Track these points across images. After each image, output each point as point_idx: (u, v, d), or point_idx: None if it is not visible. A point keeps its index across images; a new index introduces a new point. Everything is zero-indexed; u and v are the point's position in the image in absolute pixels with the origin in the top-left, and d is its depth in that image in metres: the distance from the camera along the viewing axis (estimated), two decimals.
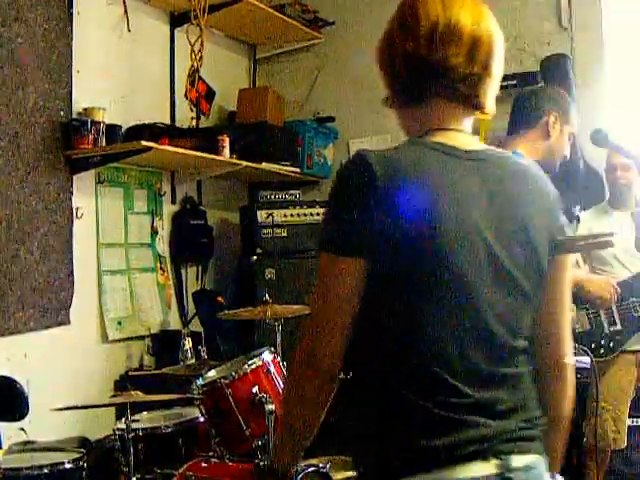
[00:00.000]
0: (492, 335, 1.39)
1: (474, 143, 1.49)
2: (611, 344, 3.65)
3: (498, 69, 1.51)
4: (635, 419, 3.93)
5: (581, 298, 2.94)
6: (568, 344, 1.54)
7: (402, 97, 1.52)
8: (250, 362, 2.99)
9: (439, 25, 1.41)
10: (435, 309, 1.36)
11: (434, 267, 1.34)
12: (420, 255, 1.34)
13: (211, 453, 3.01)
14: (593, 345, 3.66)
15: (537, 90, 2.71)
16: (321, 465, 3.02)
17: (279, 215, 4.69)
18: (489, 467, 1.34)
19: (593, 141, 2.75)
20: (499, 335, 1.40)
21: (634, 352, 3.67)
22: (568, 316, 1.55)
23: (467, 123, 1.51)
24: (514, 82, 4.58)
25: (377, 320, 1.39)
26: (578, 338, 3.74)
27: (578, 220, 3.81)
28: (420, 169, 1.36)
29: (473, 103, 1.48)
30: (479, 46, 1.44)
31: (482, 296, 1.38)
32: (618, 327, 3.65)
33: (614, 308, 3.64)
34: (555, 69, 4.44)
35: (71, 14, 3.94)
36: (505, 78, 5.30)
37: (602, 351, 3.66)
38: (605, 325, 3.67)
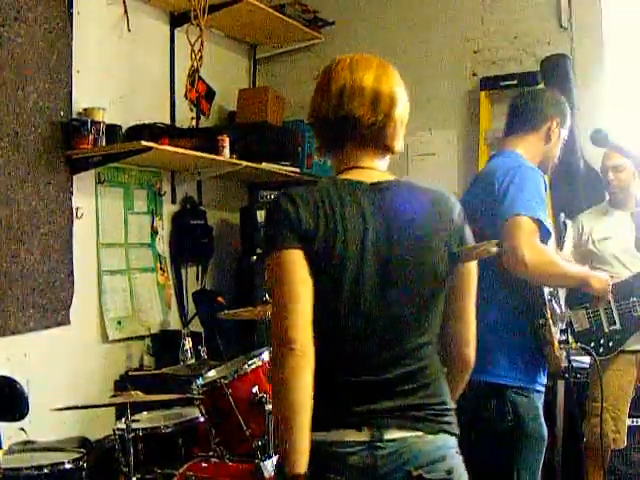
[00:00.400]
0: (384, 331, 1.70)
1: (382, 177, 1.78)
2: (610, 344, 3.65)
3: (401, 116, 1.84)
4: (635, 419, 3.93)
5: (580, 293, 2.94)
6: (472, 344, 1.85)
7: (326, 145, 1.86)
8: (250, 362, 3.00)
9: (346, 86, 1.78)
10: (335, 309, 1.69)
11: (333, 276, 1.67)
12: (323, 265, 1.66)
13: (211, 453, 3.02)
14: (592, 344, 3.66)
15: (540, 92, 2.71)
16: None
17: None
18: (361, 435, 1.68)
19: (593, 141, 2.75)
20: (392, 332, 1.71)
21: (634, 352, 3.67)
22: (473, 319, 1.84)
23: (379, 161, 1.83)
24: (514, 82, 4.58)
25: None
26: (577, 337, 3.74)
27: (565, 227, 3.81)
28: (325, 200, 1.69)
29: (380, 145, 1.81)
30: (380, 99, 1.78)
31: (373, 298, 1.69)
32: (617, 327, 3.65)
33: (613, 307, 3.64)
34: (555, 69, 4.44)
35: (71, 14, 3.94)
36: (505, 78, 5.31)
37: (601, 350, 3.66)
38: (605, 325, 3.67)
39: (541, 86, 4.41)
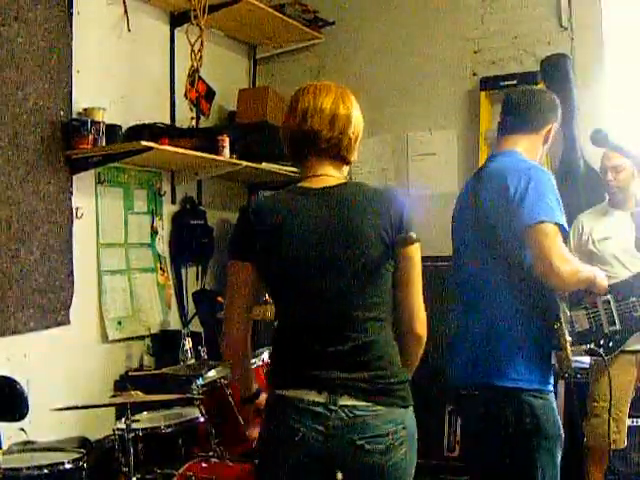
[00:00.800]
0: (331, 304, 2.04)
1: (334, 182, 2.13)
2: (610, 344, 3.65)
3: (355, 133, 2.18)
4: (635, 419, 3.93)
5: (581, 292, 2.96)
6: (418, 318, 2.13)
7: (293, 156, 2.23)
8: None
9: (309, 107, 2.14)
10: (289, 294, 2.10)
11: (284, 266, 2.07)
12: (274, 260, 2.07)
13: (211, 453, 3.02)
14: (592, 345, 3.66)
15: (540, 94, 2.67)
16: None
17: None
18: (319, 397, 1.99)
19: (593, 141, 2.74)
20: (338, 306, 2.04)
21: (634, 352, 3.67)
22: (418, 296, 2.12)
23: (335, 170, 2.18)
24: (514, 82, 4.58)
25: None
26: (578, 338, 3.74)
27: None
28: (277, 206, 2.11)
29: (337, 157, 2.17)
30: (337, 119, 2.13)
31: (320, 279, 2.04)
32: (617, 327, 3.64)
33: (613, 308, 3.63)
34: (555, 69, 4.44)
35: (71, 14, 3.94)
36: (505, 78, 5.31)
37: (601, 351, 3.66)
38: (605, 325, 3.66)
39: (540, 86, 4.41)
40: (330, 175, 2.17)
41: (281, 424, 2.01)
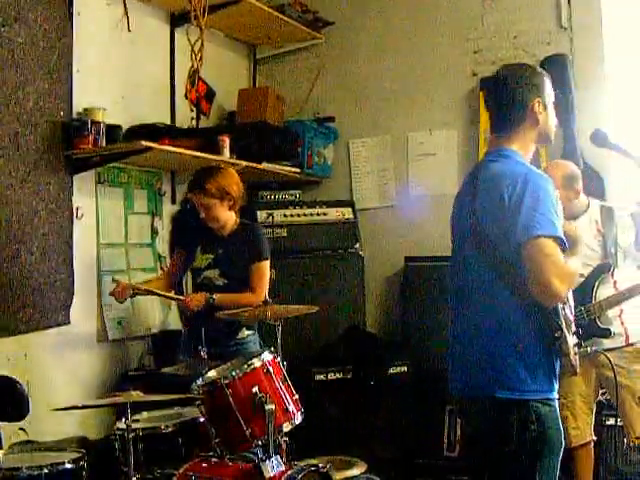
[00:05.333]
0: None
1: None
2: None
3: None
4: None
5: None
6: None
7: None
8: (250, 362, 2.99)
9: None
10: None
11: None
12: None
13: (211, 453, 3.01)
14: None
15: (509, 79, 2.46)
16: (321, 465, 3.01)
17: (279, 215, 4.70)
18: None
19: (593, 141, 2.74)
20: None
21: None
22: None
23: None
24: None
25: None
26: None
27: None
28: None
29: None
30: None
31: None
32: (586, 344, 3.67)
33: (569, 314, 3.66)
34: (555, 69, 4.44)
35: (71, 14, 3.94)
36: None
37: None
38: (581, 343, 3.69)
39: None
40: None
41: None
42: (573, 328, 2.38)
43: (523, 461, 2.28)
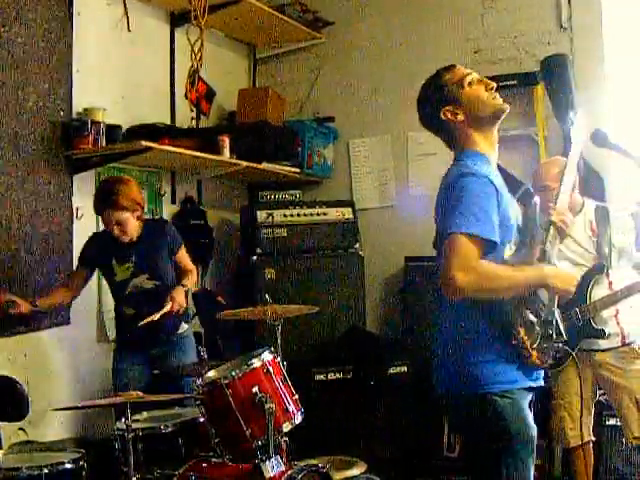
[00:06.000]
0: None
1: None
2: (558, 355, 3.67)
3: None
4: None
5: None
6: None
7: None
8: (250, 362, 2.99)
9: None
10: None
11: None
12: None
13: (211, 453, 3.01)
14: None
15: (422, 106, 2.50)
16: (321, 465, 3.01)
17: (279, 215, 4.69)
18: None
19: (593, 141, 2.74)
20: None
21: (588, 352, 3.65)
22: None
23: None
24: (514, 82, 4.57)
25: None
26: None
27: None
28: None
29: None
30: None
31: None
32: (564, 338, 3.66)
33: (559, 319, 3.66)
34: (555, 69, 4.44)
35: (71, 14, 3.94)
36: (505, 78, 5.28)
37: (551, 362, 3.69)
38: (554, 337, 3.68)
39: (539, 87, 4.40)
40: None
41: None
42: (549, 319, 2.35)
43: (489, 455, 2.26)
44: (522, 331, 2.27)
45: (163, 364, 3.67)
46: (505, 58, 4.77)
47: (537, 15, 4.72)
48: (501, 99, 2.41)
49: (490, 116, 2.40)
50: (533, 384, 2.35)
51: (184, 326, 3.80)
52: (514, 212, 2.37)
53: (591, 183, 4.04)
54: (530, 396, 2.35)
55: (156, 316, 3.50)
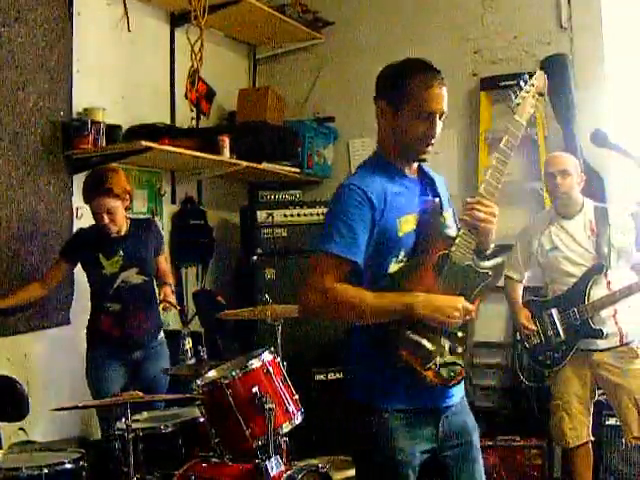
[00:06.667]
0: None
1: None
2: (556, 355, 3.69)
3: None
4: None
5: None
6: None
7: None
8: (250, 362, 2.99)
9: None
10: None
11: None
12: None
13: (211, 453, 3.01)
14: (543, 357, 3.74)
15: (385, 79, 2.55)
16: (321, 465, 3.01)
17: (279, 215, 4.69)
18: None
19: (593, 141, 2.74)
20: None
21: (586, 352, 3.66)
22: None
23: None
24: (514, 82, 4.55)
25: None
26: (530, 352, 3.82)
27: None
28: None
29: None
30: None
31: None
32: (562, 338, 3.67)
33: (557, 320, 3.68)
34: (555, 69, 4.43)
35: (71, 14, 3.94)
36: (505, 78, 5.27)
37: (549, 362, 3.71)
38: (552, 337, 3.70)
39: None
40: None
41: None
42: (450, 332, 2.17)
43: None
44: (405, 353, 2.12)
45: (141, 370, 3.66)
46: (505, 58, 4.77)
47: (537, 15, 4.72)
48: (429, 151, 2.38)
49: (409, 153, 2.40)
50: (404, 407, 2.17)
51: (162, 334, 3.80)
52: (410, 223, 2.21)
53: (591, 183, 4.03)
54: (431, 418, 2.20)
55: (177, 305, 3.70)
